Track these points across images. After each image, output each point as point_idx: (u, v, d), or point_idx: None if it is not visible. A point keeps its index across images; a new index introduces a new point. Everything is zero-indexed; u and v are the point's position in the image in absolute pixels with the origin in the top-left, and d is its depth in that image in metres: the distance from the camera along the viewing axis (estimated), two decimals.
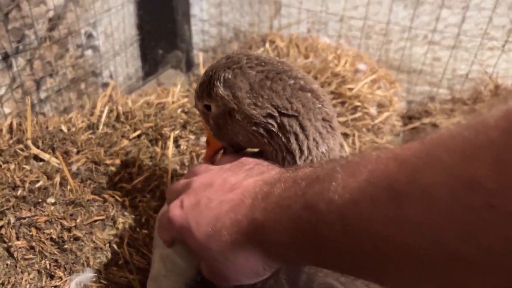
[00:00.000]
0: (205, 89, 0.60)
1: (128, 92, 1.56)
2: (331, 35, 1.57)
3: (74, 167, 0.91)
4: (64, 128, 1.01)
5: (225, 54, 0.62)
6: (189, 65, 1.81)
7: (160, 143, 1.03)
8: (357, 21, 1.52)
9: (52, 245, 0.79)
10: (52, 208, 0.83)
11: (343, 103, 1.21)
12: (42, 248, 0.78)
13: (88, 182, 0.91)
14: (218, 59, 0.62)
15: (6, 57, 1.07)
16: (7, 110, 1.10)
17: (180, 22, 1.71)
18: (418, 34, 1.48)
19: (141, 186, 0.94)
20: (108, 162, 0.95)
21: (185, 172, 0.93)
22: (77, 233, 0.81)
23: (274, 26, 1.64)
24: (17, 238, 0.78)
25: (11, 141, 0.93)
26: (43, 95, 1.21)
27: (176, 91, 1.22)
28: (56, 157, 0.91)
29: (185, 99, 1.18)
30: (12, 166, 0.87)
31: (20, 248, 0.77)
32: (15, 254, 0.76)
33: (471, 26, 1.42)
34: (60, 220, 0.82)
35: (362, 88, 1.24)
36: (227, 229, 0.44)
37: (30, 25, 1.11)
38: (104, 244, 0.83)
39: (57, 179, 0.87)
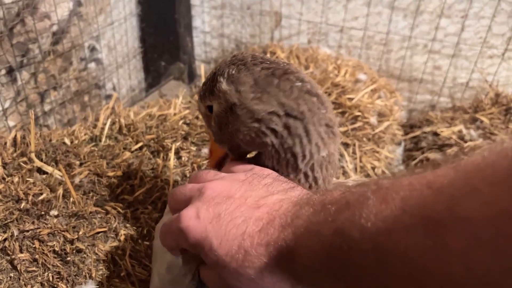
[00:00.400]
0: (208, 87, 0.59)
1: (131, 103, 1.58)
2: (331, 46, 1.58)
3: (77, 180, 0.92)
4: (67, 140, 1.03)
5: None
6: (191, 77, 1.83)
7: (161, 154, 1.04)
8: (357, 31, 1.53)
9: (55, 257, 0.80)
10: (55, 220, 0.84)
11: (343, 113, 1.21)
12: (45, 260, 0.79)
13: (91, 194, 0.92)
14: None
15: (10, 71, 1.09)
16: (11, 123, 1.12)
17: (182, 34, 1.73)
18: (418, 43, 1.49)
19: (143, 198, 0.95)
20: (111, 174, 0.96)
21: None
22: (80, 245, 0.82)
23: (275, 37, 1.66)
24: (21, 251, 0.79)
25: (15, 154, 0.95)
26: (47, 107, 1.23)
27: (178, 102, 1.23)
28: (59, 170, 0.92)
29: (187, 111, 1.19)
30: (16, 179, 0.89)
31: (23, 260, 0.78)
32: (19, 267, 0.77)
33: (471, 34, 1.43)
34: (63, 233, 0.83)
35: (362, 98, 1.24)
36: (256, 250, 0.42)
37: (34, 39, 1.13)
38: (106, 256, 0.84)
39: (60, 191, 0.88)
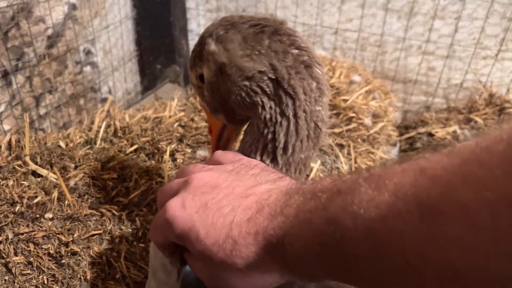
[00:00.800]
0: (197, 53, 0.57)
1: (127, 107, 1.58)
2: (326, 48, 1.59)
3: (71, 182, 0.93)
4: (62, 143, 1.03)
5: None
6: (187, 79, 1.83)
7: (156, 157, 1.04)
8: (352, 33, 1.54)
9: (49, 260, 0.80)
10: (50, 223, 0.84)
11: (338, 114, 1.22)
12: (40, 263, 0.79)
13: (86, 196, 0.92)
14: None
15: (5, 74, 1.09)
16: (6, 127, 1.12)
17: (177, 37, 1.74)
18: (412, 45, 1.50)
19: (138, 200, 0.95)
20: (105, 176, 0.96)
21: None
22: (75, 248, 0.82)
23: None
24: (15, 254, 0.79)
25: (9, 158, 0.95)
26: (42, 111, 1.23)
27: (173, 105, 1.24)
28: (54, 173, 0.92)
29: (182, 113, 1.20)
30: (10, 182, 0.89)
31: (18, 263, 0.78)
32: (13, 270, 0.77)
33: (464, 36, 1.44)
34: (58, 235, 0.83)
35: (356, 99, 1.25)
36: (245, 240, 0.41)
37: (29, 43, 1.13)
38: (101, 258, 0.84)
39: (55, 194, 0.88)
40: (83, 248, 0.83)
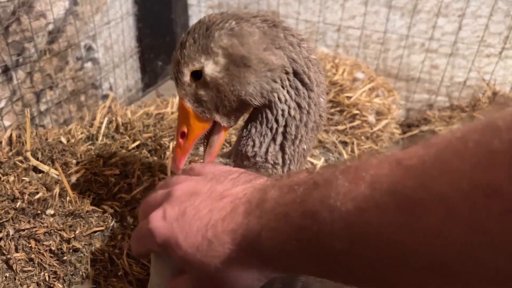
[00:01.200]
0: (200, 47, 0.55)
1: (128, 103, 1.57)
2: (329, 45, 1.58)
3: (73, 178, 0.91)
4: (63, 139, 1.02)
5: None
6: None
7: (159, 153, 1.03)
8: (355, 30, 1.53)
9: (51, 257, 0.79)
10: (51, 219, 0.83)
11: (341, 111, 1.21)
12: (41, 260, 0.78)
13: (87, 193, 0.91)
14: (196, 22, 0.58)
15: (6, 70, 1.08)
16: (7, 122, 1.11)
17: (178, 34, 1.73)
18: (416, 42, 1.49)
19: (141, 197, 0.94)
20: (108, 173, 0.95)
21: None
22: (76, 245, 0.81)
23: None
24: (16, 250, 0.78)
25: (10, 153, 0.94)
26: (43, 107, 1.22)
27: (175, 101, 1.22)
28: (56, 169, 0.91)
29: None
30: (11, 178, 0.88)
31: (19, 260, 0.77)
32: (14, 266, 0.76)
33: (468, 33, 1.43)
34: (59, 232, 0.82)
35: (360, 97, 1.24)
36: (220, 239, 0.42)
37: (30, 38, 1.12)
38: (103, 255, 0.83)
39: (57, 190, 0.87)
40: (85, 245, 0.82)
